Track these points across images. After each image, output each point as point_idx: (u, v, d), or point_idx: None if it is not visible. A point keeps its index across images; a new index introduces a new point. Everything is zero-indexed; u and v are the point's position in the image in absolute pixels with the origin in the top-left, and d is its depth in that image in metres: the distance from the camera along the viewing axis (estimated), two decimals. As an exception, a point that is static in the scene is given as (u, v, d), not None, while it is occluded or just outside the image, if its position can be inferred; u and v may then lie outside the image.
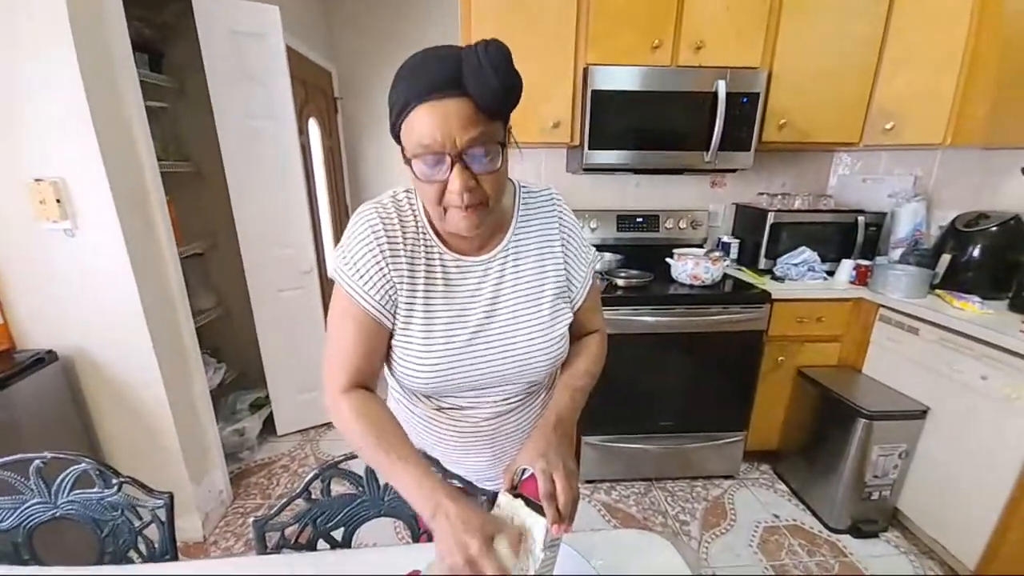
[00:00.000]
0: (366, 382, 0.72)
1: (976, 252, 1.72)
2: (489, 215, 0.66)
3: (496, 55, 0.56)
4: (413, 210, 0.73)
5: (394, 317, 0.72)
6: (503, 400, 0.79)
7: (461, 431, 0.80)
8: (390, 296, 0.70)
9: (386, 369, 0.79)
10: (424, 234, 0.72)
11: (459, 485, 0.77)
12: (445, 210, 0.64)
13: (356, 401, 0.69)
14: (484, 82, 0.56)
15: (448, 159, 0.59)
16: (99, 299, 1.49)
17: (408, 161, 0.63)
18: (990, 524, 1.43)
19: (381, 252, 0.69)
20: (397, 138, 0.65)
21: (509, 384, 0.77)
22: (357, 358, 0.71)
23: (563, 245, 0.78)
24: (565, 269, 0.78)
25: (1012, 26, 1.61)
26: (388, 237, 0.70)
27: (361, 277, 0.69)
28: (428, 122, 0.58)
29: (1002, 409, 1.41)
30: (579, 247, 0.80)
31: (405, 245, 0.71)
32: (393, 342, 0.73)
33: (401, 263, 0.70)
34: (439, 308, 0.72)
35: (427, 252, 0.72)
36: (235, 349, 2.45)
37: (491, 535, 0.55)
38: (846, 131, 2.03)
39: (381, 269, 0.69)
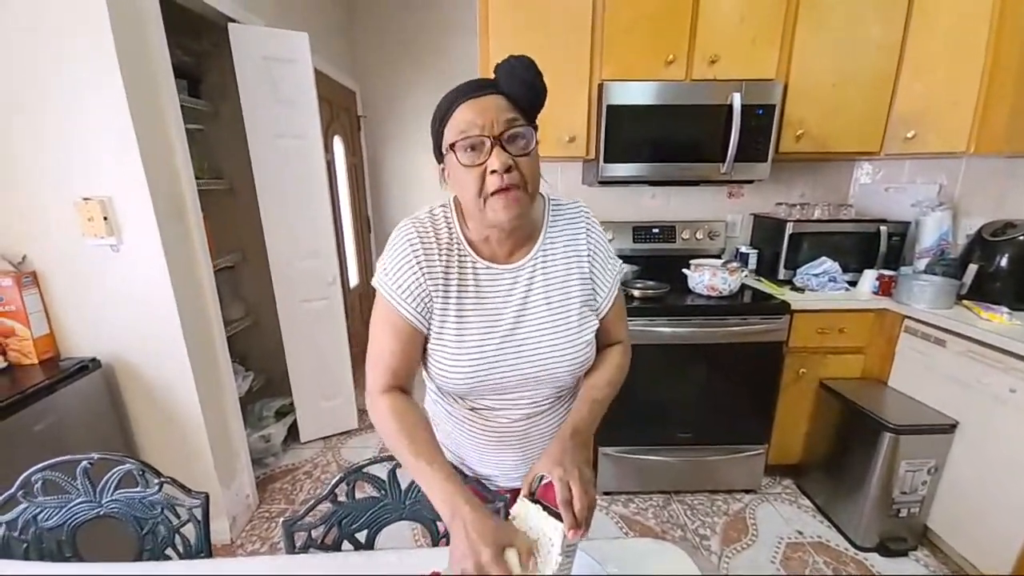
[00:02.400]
0: (403, 384, 0.79)
1: (1004, 262, 1.68)
2: (527, 206, 0.71)
3: (526, 60, 0.69)
4: (448, 222, 0.79)
5: (429, 323, 0.77)
6: (533, 403, 0.83)
7: (493, 431, 0.85)
8: (426, 304, 0.76)
9: (424, 372, 0.85)
10: (458, 244, 0.78)
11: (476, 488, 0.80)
12: (485, 202, 0.69)
13: (393, 402, 0.75)
14: (516, 78, 0.68)
15: (488, 142, 0.67)
16: (140, 310, 1.57)
17: (444, 155, 0.72)
18: (1021, 541, 1.38)
19: (418, 264, 0.75)
20: (439, 151, 0.73)
21: (538, 387, 0.81)
22: (395, 361, 0.77)
23: (589, 255, 0.82)
24: (591, 279, 0.82)
25: (1035, 32, 1.58)
26: (424, 249, 0.76)
27: (400, 287, 0.75)
28: (470, 113, 0.68)
29: (1034, 423, 1.37)
30: (605, 258, 0.83)
31: (440, 255, 0.76)
32: (429, 346, 0.79)
33: (436, 272, 0.76)
34: (471, 313, 0.77)
35: (460, 260, 0.78)
36: (262, 358, 2.54)
37: (503, 545, 0.58)
38: (866, 140, 2.01)
39: (418, 279, 0.75)
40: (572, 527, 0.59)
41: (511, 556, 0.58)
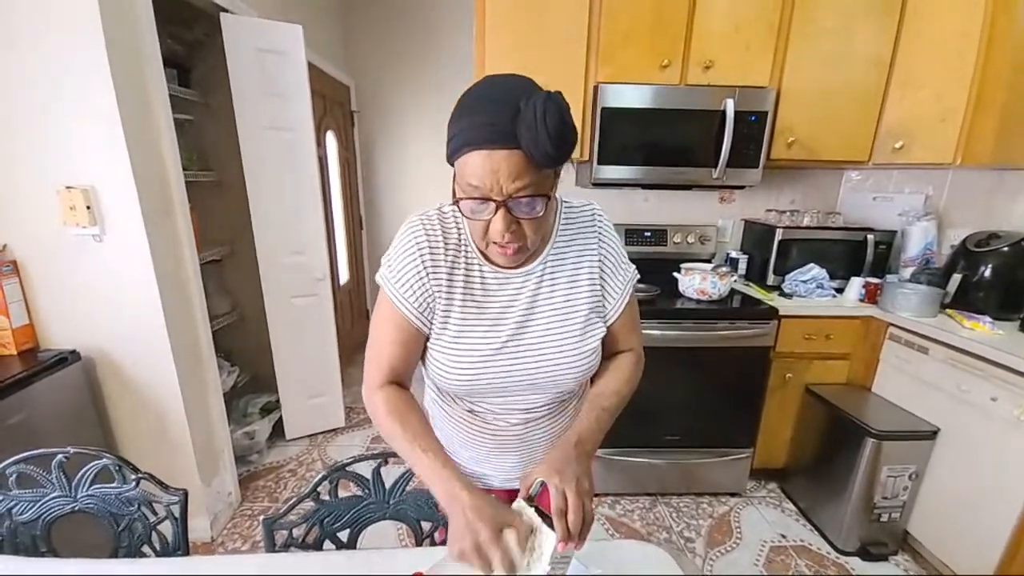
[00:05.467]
0: (400, 380, 0.79)
1: (987, 272, 1.71)
2: (526, 254, 0.72)
3: (553, 114, 0.57)
4: (457, 223, 0.77)
5: (431, 323, 0.76)
6: (533, 407, 0.81)
7: (492, 433, 0.83)
8: (428, 304, 0.75)
9: (423, 371, 0.84)
10: (466, 246, 0.76)
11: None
12: (487, 245, 0.70)
13: (388, 395, 0.75)
14: (537, 140, 0.57)
15: (493, 204, 0.63)
16: (122, 302, 1.54)
17: (457, 200, 0.67)
18: (1000, 548, 1.41)
19: (423, 263, 0.74)
20: (452, 162, 0.69)
21: (538, 392, 0.80)
22: (393, 358, 0.77)
23: (600, 260, 0.79)
24: (601, 285, 0.79)
25: (1022, 46, 1.61)
26: (431, 249, 0.74)
27: (403, 286, 0.74)
28: (479, 168, 0.61)
29: (1012, 431, 1.39)
30: (617, 263, 0.81)
31: (446, 256, 0.75)
32: (429, 344, 0.78)
33: (441, 273, 0.75)
34: (473, 316, 0.76)
35: (467, 263, 0.76)
36: (248, 353, 2.51)
37: (501, 526, 0.57)
38: (855, 149, 2.04)
39: (421, 279, 0.74)
40: (563, 538, 0.57)
41: (509, 536, 0.57)
